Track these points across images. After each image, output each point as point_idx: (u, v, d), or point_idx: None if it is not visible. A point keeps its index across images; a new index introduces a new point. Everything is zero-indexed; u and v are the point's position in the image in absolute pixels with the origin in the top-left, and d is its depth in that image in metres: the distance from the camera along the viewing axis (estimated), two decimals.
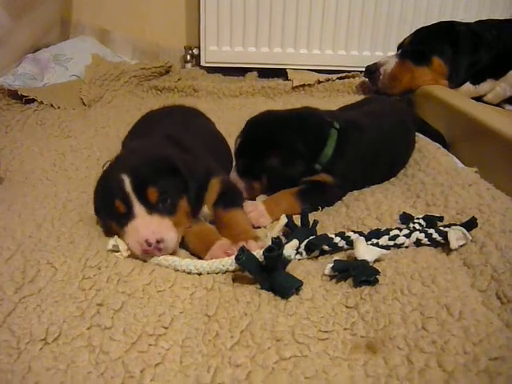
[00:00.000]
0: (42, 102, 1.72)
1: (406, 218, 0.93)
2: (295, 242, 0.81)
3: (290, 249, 0.78)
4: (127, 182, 0.81)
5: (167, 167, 0.85)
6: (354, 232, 0.85)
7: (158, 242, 0.79)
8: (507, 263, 0.74)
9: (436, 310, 0.67)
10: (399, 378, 0.58)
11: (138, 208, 0.81)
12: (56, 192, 1.08)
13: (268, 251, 0.72)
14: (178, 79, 2.13)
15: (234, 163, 1.14)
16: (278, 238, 0.77)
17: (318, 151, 1.07)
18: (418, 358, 0.60)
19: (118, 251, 0.83)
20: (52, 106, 1.73)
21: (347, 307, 0.70)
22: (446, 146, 1.39)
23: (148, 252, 0.80)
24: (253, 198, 1.08)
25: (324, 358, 0.61)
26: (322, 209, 1.04)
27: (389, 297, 0.71)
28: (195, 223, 0.91)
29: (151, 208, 0.82)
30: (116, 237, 0.84)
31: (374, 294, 0.72)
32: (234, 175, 1.12)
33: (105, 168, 0.91)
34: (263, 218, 0.98)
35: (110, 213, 0.85)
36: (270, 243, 0.74)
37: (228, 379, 0.58)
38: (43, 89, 1.84)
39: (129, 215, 0.82)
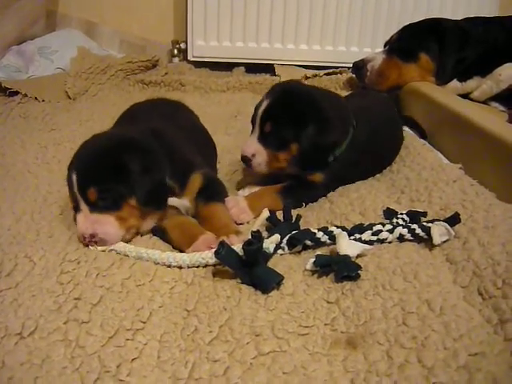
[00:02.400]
0: (25, 95, 1.70)
1: (389, 214, 0.92)
2: (276, 236, 0.81)
3: (269, 243, 0.77)
4: (74, 180, 0.84)
5: (113, 165, 0.84)
6: (337, 227, 0.85)
7: (92, 236, 0.82)
8: (489, 259, 0.74)
9: (417, 305, 0.67)
10: (379, 374, 0.57)
11: (82, 205, 0.84)
12: (37, 185, 1.07)
13: (247, 245, 0.72)
14: (165, 73, 2.11)
15: (252, 129, 1.04)
16: (257, 231, 0.76)
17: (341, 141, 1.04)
18: (398, 354, 0.60)
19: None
20: (36, 98, 1.72)
21: (328, 302, 0.70)
22: (426, 137, 1.41)
23: (87, 244, 0.83)
24: (274, 173, 1.04)
25: (303, 354, 0.61)
26: (306, 205, 1.02)
27: (370, 292, 0.70)
28: (174, 216, 0.90)
29: (92, 205, 0.83)
30: None
31: (356, 289, 0.71)
32: (253, 142, 1.01)
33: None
34: (244, 215, 0.96)
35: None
36: (250, 237, 0.74)
37: (205, 374, 0.57)
38: (27, 81, 1.82)
39: (78, 209, 0.85)
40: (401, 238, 0.83)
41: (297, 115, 0.99)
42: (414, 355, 0.59)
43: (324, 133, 0.99)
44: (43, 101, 1.71)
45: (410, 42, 1.72)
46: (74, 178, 0.84)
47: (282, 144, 1.00)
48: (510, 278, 0.68)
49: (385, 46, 1.81)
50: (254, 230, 0.77)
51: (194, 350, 0.61)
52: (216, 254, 0.73)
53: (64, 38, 2.06)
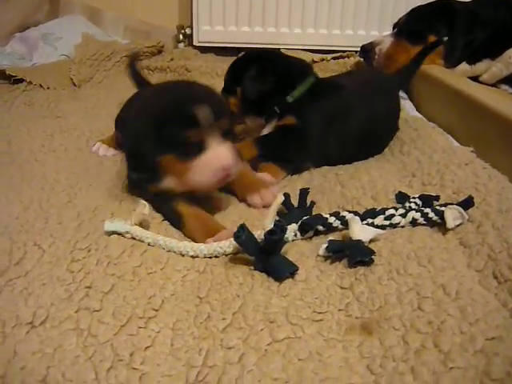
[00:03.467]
0: (30, 82, 1.69)
1: (401, 198, 0.91)
2: (294, 226, 0.79)
3: (289, 232, 0.76)
4: (202, 112, 0.81)
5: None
6: (349, 212, 0.84)
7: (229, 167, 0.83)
8: (504, 242, 0.73)
9: (432, 289, 0.66)
10: (395, 359, 0.57)
11: (215, 138, 0.82)
12: (44, 173, 1.06)
13: (270, 233, 0.71)
14: (171, 59, 2.09)
15: None
16: (280, 221, 0.75)
17: (291, 86, 1.14)
18: (414, 339, 0.59)
19: (117, 233, 0.81)
20: (41, 86, 1.70)
21: (342, 288, 0.69)
22: None
23: (223, 179, 0.83)
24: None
25: (318, 340, 0.60)
26: (287, 153, 1.08)
27: (384, 277, 0.69)
28: (192, 206, 0.89)
29: (223, 137, 0.84)
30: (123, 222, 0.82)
31: (369, 274, 0.70)
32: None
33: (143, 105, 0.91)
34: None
35: (170, 148, 0.83)
36: (272, 225, 0.72)
37: (220, 362, 0.57)
38: (32, 69, 1.81)
39: (201, 146, 0.82)
40: (414, 223, 0.82)
41: (244, 64, 1.19)
42: (430, 340, 0.58)
43: (260, 78, 1.13)
44: (48, 88, 1.70)
45: (419, 24, 1.70)
46: (203, 110, 0.82)
47: (232, 90, 1.20)
48: None
49: (393, 29, 1.79)
50: (271, 216, 0.75)
51: (208, 337, 0.60)
52: (236, 237, 0.72)
53: (68, 25, 2.04)
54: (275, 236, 0.70)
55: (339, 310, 0.65)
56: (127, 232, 0.80)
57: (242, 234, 0.71)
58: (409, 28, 1.72)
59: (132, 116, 0.93)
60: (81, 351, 0.58)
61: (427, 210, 0.82)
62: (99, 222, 0.83)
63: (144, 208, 0.81)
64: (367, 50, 1.77)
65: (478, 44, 1.65)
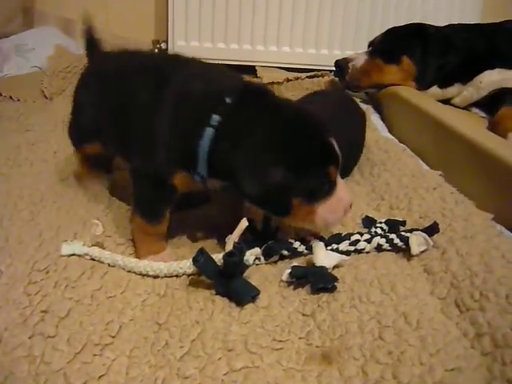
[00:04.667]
0: (0, 94, 1.66)
1: (368, 222, 0.91)
2: (257, 249, 0.78)
3: (249, 255, 0.76)
4: (335, 145, 0.75)
5: None
6: (315, 237, 0.83)
7: None
8: (467, 270, 0.73)
9: (393, 318, 0.65)
10: None
11: (337, 175, 0.77)
12: (8, 189, 1.03)
13: (228, 256, 0.70)
14: None
15: None
16: (240, 243, 0.74)
17: None
18: (374, 370, 0.58)
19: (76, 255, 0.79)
20: (11, 98, 1.67)
21: (304, 315, 0.68)
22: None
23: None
24: None
25: (277, 369, 0.59)
26: None
27: (346, 305, 0.69)
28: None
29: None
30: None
31: (332, 301, 0.70)
32: None
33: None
34: None
35: (303, 190, 0.73)
36: (232, 247, 0.72)
37: None
38: (2, 80, 1.78)
39: (332, 184, 0.76)
40: (379, 248, 0.82)
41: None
42: (389, 371, 0.58)
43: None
44: (18, 100, 1.68)
45: (394, 44, 1.72)
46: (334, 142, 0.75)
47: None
48: (488, 289, 0.68)
49: (368, 47, 1.81)
50: (234, 240, 0.74)
51: (165, 365, 0.59)
52: (194, 261, 0.71)
53: (41, 36, 2.01)
54: (234, 258, 0.69)
55: (300, 338, 0.64)
56: (86, 254, 0.78)
57: (201, 258, 0.70)
58: (383, 47, 1.74)
59: (255, 153, 0.73)
60: (32, 380, 0.56)
61: (392, 235, 0.83)
62: (61, 242, 0.81)
63: (97, 228, 0.79)
64: (341, 65, 1.79)
65: (450, 68, 1.68)
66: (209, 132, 0.73)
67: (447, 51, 1.67)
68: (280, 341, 0.63)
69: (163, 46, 2.26)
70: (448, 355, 0.60)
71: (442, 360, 0.59)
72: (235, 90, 0.77)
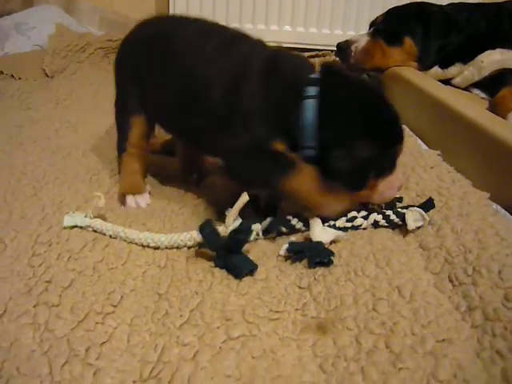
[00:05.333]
0: (1, 72, 1.67)
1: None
2: (257, 225, 0.80)
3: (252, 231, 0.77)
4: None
5: None
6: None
7: None
8: (461, 246, 0.75)
9: (387, 291, 0.67)
10: (347, 359, 0.58)
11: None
12: (10, 166, 1.05)
13: (235, 232, 0.71)
14: None
15: None
16: (248, 221, 0.76)
17: None
18: (367, 339, 0.60)
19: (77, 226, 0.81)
20: (12, 76, 1.68)
21: (300, 288, 0.70)
22: None
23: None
24: None
25: (273, 338, 0.61)
26: None
27: (342, 278, 0.71)
28: None
29: None
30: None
31: (328, 275, 0.72)
32: None
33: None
34: None
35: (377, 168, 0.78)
36: (238, 224, 0.74)
37: (174, 358, 0.57)
38: (3, 58, 1.78)
39: (395, 162, 0.79)
40: (375, 225, 0.84)
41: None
42: (382, 341, 0.60)
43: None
44: (20, 78, 1.68)
45: (396, 25, 1.71)
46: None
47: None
48: (481, 265, 0.69)
49: (370, 28, 1.80)
50: (234, 214, 0.76)
51: (164, 333, 0.61)
52: (200, 230, 0.73)
53: (42, 14, 2.01)
54: (240, 235, 0.71)
55: (296, 309, 0.66)
56: (88, 226, 0.80)
57: (207, 228, 0.71)
58: (385, 28, 1.73)
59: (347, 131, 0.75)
60: (37, 346, 0.58)
61: (389, 212, 0.84)
62: (63, 216, 0.83)
63: (99, 200, 0.81)
64: (343, 48, 1.78)
65: (452, 48, 1.67)
66: (310, 104, 0.75)
67: (449, 31, 1.67)
68: (276, 311, 0.65)
69: None
70: (439, 327, 0.61)
71: (433, 331, 0.61)
72: (311, 65, 0.81)
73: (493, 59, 1.62)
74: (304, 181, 0.77)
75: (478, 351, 0.59)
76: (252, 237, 0.77)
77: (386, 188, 0.79)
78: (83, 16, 2.24)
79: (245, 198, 0.79)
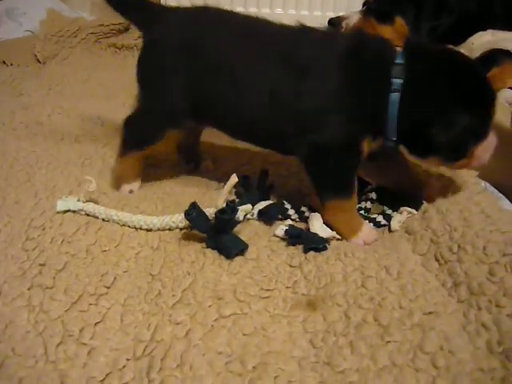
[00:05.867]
0: None
1: (360, 186, 0.92)
2: (248, 206, 0.81)
3: (240, 211, 0.78)
4: None
5: None
6: (309, 208, 0.85)
7: None
8: (447, 226, 0.76)
9: (376, 270, 0.69)
10: (336, 334, 0.59)
11: None
12: (3, 152, 1.05)
13: (220, 213, 0.72)
14: (138, 37, 2.05)
15: None
16: (233, 201, 0.77)
17: None
18: (356, 314, 0.62)
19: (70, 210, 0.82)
20: (4, 62, 1.67)
21: (291, 266, 0.71)
22: None
23: None
24: None
25: (264, 316, 0.62)
26: None
27: (332, 258, 0.72)
28: None
29: None
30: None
31: (319, 255, 0.73)
32: None
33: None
34: None
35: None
36: (225, 205, 0.74)
37: (167, 336, 0.59)
38: None
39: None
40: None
41: None
42: (370, 315, 0.62)
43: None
44: (11, 65, 1.67)
45: (388, 4, 1.71)
46: None
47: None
48: (466, 242, 0.71)
49: (363, 6, 1.79)
50: (224, 194, 0.77)
51: (157, 313, 0.62)
52: (186, 215, 0.73)
53: (33, 0, 1.99)
54: (225, 216, 0.71)
55: (287, 287, 0.67)
56: (80, 209, 0.81)
57: (193, 212, 0.72)
58: (377, 7, 1.72)
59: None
60: (31, 327, 0.60)
61: (379, 217, 0.85)
62: (56, 200, 0.83)
63: (91, 184, 0.81)
64: (334, 24, 1.77)
65: (443, 29, 1.66)
66: (395, 97, 0.75)
67: (441, 12, 1.66)
68: (267, 290, 0.66)
69: None
70: (426, 301, 0.63)
71: (420, 305, 0.62)
72: (394, 48, 0.79)
73: (483, 40, 1.62)
74: None
75: (464, 324, 0.61)
76: (241, 217, 0.78)
77: (483, 152, 0.78)
78: (74, 1, 2.22)
79: (234, 179, 0.80)
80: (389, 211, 0.86)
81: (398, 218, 0.83)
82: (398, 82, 0.75)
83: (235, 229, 0.77)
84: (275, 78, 0.80)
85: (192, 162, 1.05)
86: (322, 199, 0.80)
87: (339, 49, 0.79)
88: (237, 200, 0.84)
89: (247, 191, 0.89)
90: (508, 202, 0.91)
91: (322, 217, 0.80)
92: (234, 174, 0.80)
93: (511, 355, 0.55)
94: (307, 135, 0.77)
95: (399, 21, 1.68)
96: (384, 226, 0.84)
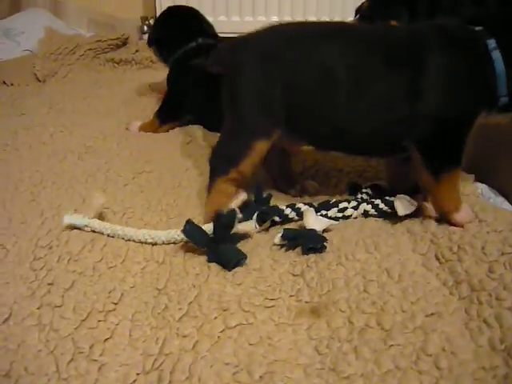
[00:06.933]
0: None
1: (353, 188, 0.94)
2: (251, 225, 0.83)
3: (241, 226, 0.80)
4: None
5: None
6: (305, 204, 0.87)
7: None
8: (445, 230, 0.78)
9: (377, 273, 0.70)
10: (340, 340, 0.60)
11: None
12: (8, 173, 1.07)
13: (218, 218, 0.75)
14: (136, 51, 2.09)
15: None
16: (233, 209, 0.79)
17: None
18: (359, 319, 0.63)
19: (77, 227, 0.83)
20: (4, 83, 1.69)
21: (294, 275, 0.72)
22: None
23: None
24: None
25: (269, 325, 0.63)
26: None
27: (333, 263, 0.73)
28: None
29: None
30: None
31: (320, 261, 0.74)
32: None
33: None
34: None
35: None
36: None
37: (175, 349, 0.60)
38: None
39: None
40: (366, 214, 0.86)
41: None
42: (373, 319, 0.63)
43: None
44: (12, 85, 1.70)
45: (381, 10, 1.72)
46: None
47: None
48: (464, 243, 0.72)
49: (356, 15, 1.81)
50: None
51: (165, 327, 0.64)
52: (184, 232, 0.75)
53: (30, 19, 2.02)
54: (223, 220, 0.73)
55: (290, 295, 0.68)
56: (86, 225, 0.82)
57: (189, 228, 0.74)
58: (371, 14, 1.74)
59: None
60: (43, 345, 0.61)
61: (377, 201, 0.86)
62: (61, 219, 0.85)
63: (100, 199, 0.83)
64: None
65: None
66: (496, 54, 0.79)
67: (434, 13, 1.67)
68: (271, 299, 0.67)
69: (152, 22, 2.26)
70: (428, 302, 0.64)
71: (422, 307, 0.64)
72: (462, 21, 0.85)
73: None
74: None
75: (466, 321, 0.62)
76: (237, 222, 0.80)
77: None
78: (71, 18, 2.26)
79: (243, 196, 0.83)
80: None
81: (401, 204, 0.83)
82: (492, 41, 0.79)
83: (236, 241, 0.79)
84: (385, 81, 0.82)
85: (295, 185, 1.02)
86: (438, 174, 0.81)
87: (433, 40, 0.82)
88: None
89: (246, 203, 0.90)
90: (508, 203, 0.93)
91: (436, 194, 0.82)
92: (244, 192, 0.82)
93: None
94: (428, 122, 0.80)
95: (394, 25, 1.70)
96: (384, 212, 0.86)
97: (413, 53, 0.81)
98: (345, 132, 0.85)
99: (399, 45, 0.83)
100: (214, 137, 1.20)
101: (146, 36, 2.29)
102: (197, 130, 1.35)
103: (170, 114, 1.40)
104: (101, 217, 0.86)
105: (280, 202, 0.94)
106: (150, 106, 1.55)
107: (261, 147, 0.86)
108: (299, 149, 0.91)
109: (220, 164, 0.89)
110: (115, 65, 1.99)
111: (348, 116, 0.83)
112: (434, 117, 0.79)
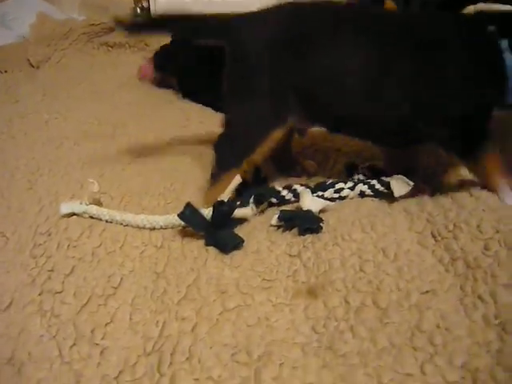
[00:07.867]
0: None
1: (350, 169, 0.95)
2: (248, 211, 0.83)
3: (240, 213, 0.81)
4: None
5: None
6: (301, 185, 0.87)
7: None
8: (441, 208, 0.78)
9: (373, 253, 0.71)
10: (337, 319, 0.61)
11: None
12: (4, 161, 1.07)
13: (218, 205, 0.75)
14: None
15: None
16: (232, 200, 0.80)
17: None
18: (355, 298, 0.64)
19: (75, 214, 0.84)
20: None
21: (290, 256, 0.73)
22: None
23: None
24: None
25: (267, 306, 0.64)
26: None
27: (330, 243, 0.74)
28: None
29: None
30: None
31: (317, 241, 0.75)
32: None
33: None
34: None
35: None
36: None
37: (175, 332, 0.61)
38: None
39: None
40: (362, 194, 0.86)
41: None
42: (369, 298, 0.63)
43: None
44: (6, 71, 1.69)
45: None
46: None
47: None
48: (460, 221, 0.73)
49: None
50: (226, 196, 0.79)
51: (164, 310, 0.65)
52: (180, 214, 0.76)
53: (22, 5, 2.00)
54: (223, 208, 0.74)
55: (287, 276, 0.69)
56: (84, 212, 0.83)
57: (186, 211, 0.74)
58: None
59: None
60: (45, 331, 0.62)
61: (373, 181, 0.86)
62: (59, 205, 0.85)
63: (94, 186, 0.83)
64: None
65: (433, 6, 1.67)
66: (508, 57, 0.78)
67: None
68: (269, 280, 0.68)
69: (145, 4, 2.24)
70: (423, 280, 0.65)
71: (417, 285, 0.64)
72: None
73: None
74: None
75: (461, 297, 0.63)
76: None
77: None
78: (64, 3, 2.23)
79: (237, 180, 0.83)
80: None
81: (397, 184, 0.83)
82: (504, 42, 0.78)
83: (234, 226, 0.80)
84: (409, 67, 0.80)
85: (295, 165, 1.01)
86: (478, 152, 0.80)
87: (457, 30, 0.82)
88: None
89: (244, 186, 0.90)
90: None
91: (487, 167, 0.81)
92: (238, 175, 0.82)
93: (508, 327, 0.57)
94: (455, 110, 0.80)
95: (389, 4, 1.68)
96: (380, 192, 0.86)
97: (438, 41, 0.80)
98: (363, 119, 0.83)
99: (424, 32, 0.82)
100: (211, 120, 1.21)
101: (139, 19, 2.27)
102: (193, 113, 1.34)
103: None
104: (98, 202, 0.87)
105: (276, 183, 0.94)
106: (145, 89, 1.54)
107: (277, 135, 0.84)
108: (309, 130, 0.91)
109: (231, 156, 0.87)
110: (109, 48, 1.97)
111: (367, 103, 0.82)
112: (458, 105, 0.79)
